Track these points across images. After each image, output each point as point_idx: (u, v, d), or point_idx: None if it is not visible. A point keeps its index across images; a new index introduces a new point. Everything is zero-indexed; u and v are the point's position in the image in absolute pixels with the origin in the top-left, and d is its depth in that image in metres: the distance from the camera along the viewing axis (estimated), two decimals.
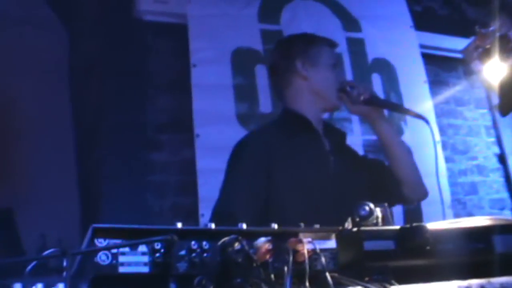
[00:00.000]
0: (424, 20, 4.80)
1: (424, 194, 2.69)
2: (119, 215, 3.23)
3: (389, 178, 2.59)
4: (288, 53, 2.63)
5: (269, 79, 2.87)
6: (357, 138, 4.14)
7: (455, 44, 4.83)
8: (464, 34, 4.39)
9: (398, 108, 3.17)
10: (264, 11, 4.14)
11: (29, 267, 1.27)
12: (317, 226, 1.42)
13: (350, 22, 4.40)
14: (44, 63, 4.27)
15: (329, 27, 4.30)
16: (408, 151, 2.67)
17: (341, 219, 1.48)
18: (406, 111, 3.06)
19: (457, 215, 4.32)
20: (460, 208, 4.61)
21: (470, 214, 4.56)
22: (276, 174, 2.35)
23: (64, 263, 1.16)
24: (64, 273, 1.14)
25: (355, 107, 2.59)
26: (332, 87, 2.57)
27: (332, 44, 2.68)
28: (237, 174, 2.41)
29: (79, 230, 3.79)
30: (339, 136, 2.69)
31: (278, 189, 2.34)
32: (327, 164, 2.49)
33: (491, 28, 2.35)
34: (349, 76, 4.25)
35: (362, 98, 2.53)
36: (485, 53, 2.43)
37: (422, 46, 4.64)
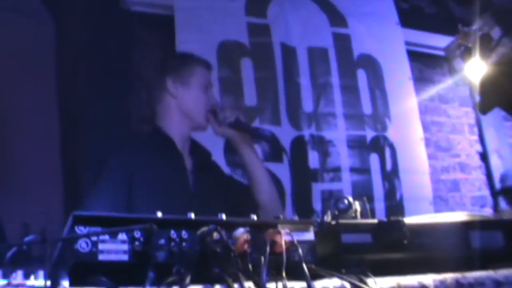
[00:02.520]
0: (411, 17, 4.83)
1: None
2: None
3: (248, 200, 2.65)
4: (161, 70, 2.72)
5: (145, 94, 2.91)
6: (341, 133, 4.17)
7: (441, 41, 4.86)
8: (450, 32, 4.41)
9: (258, 134, 3.14)
10: (251, 4, 4.13)
11: (10, 254, 1.28)
12: (295, 217, 1.43)
13: (337, 18, 4.41)
14: (31, 51, 4.24)
15: (316, 21, 4.32)
16: (269, 177, 2.77)
17: None
18: (265, 138, 3.42)
19: (438, 212, 4.36)
20: (442, 205, 4.65)
21: (451, 211, 4.59)
22: (137, 190, 2.40)
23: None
24: (44, 260, 1.15)
25: (221, 129, 2.66)
26: (200, 108, 2.64)
27: (208, 66, 2.76)
28: (100, 186, 2.47)
29: (62, 220, 3.77)
30: (204, 156, 2.76)
31: (138, 205, 2.37)
32: (187, 183, 2.56)
33: (473, 27, 2.37)
34: (334, 71, 4.27)
35: (227, 121, 2.62)
36: (467, 52, 2.46)
37: (407, 43, 4.67)
